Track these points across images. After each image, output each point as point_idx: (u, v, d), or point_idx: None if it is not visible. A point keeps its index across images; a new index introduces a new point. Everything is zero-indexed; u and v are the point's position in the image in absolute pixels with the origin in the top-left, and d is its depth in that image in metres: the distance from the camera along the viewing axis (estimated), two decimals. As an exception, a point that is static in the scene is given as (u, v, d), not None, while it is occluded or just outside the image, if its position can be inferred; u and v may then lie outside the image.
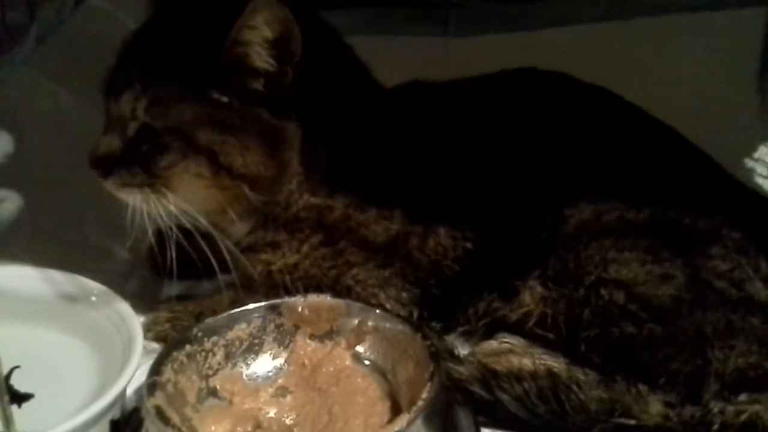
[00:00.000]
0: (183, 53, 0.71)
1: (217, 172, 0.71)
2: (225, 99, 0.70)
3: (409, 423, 0.58)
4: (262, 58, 0.70)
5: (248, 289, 0.76)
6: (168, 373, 0.64)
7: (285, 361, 0.70)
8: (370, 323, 0.70)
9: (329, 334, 0.71)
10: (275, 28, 0.68)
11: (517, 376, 0.67)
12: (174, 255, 0.73)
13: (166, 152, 0.70)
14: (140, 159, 0.71)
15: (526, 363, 0.69)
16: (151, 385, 0.62)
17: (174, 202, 0.71)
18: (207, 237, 0.74)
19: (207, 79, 0.70)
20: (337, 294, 0.73)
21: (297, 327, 0.71)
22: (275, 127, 0.72)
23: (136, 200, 0.72)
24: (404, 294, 0.76)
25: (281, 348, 0.71)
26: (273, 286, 0.76)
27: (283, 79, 0.70)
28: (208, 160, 0.71)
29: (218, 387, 0.67)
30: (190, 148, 0.70)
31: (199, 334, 0.68)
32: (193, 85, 0.70)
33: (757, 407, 0.64)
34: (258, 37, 0.69)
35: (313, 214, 0.75)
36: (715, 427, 0.64)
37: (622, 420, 0.64)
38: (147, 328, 0.75)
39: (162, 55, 0.71)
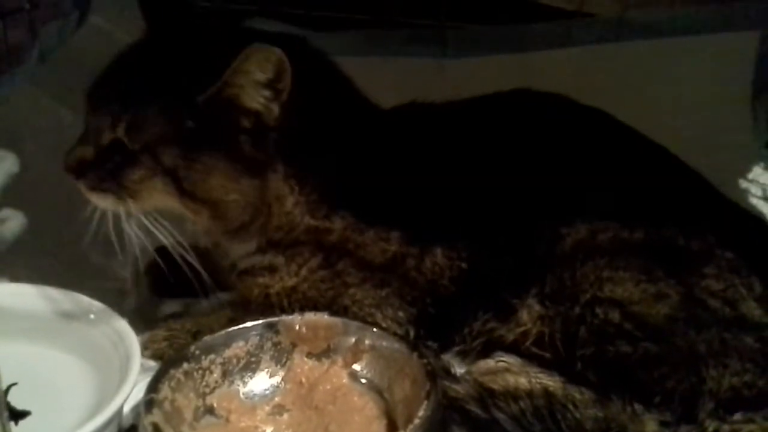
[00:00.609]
0: (168, 80, 0.72)
1: (183, 193, 0.72)
2: (203, 128, 0.71)
3: (406, 441, 0.58)
4: (254, 99, 0.71)
5: (245, 310, 0.76)
6: (165, 390, 0.64)
7: (282, 379, 0.71)
8: (367, 342, 0.70)
9: (326, 353, 0.71)
10: (268, 70, 0.69)
11: (514, 395, 0.67)
12: (136, 269, 0.74)
13: (136, 167, 0.71)
14: (112, 169, 0.72)
15: (523, 382, 0.69)
16: (148, 403, 0.62)
17: (138, 215, 0.72)
18: (203, 254, 0.74)
19: (190, 110, 0.70)
20: (334, 314, 0.73)
21: (294, 345, 0.71)
22: (248, 156, 0.73)
23: (100, 204, 0.72)
24: (401, 313, 0.76)
25: (278, 366, 0.71)
26: (270, 307, 0.76)
27: (269, 114, 0.72)
28: (173, 181, 0.72)
29: (215, 405, 0.68)
30: (159, 167, 0.71)
31: (197, 351, 0.68)
32: (175, 113, 0.71)
33: (752, 426, 0.64)
34: (251, 80, 0.70)
35: (313, 236, 0.76)
36: (711, 446, 0.64)
37: (618, 439, 0.65)
38: (144, 346, 0.75)
39: (147, 78, 0.72)
